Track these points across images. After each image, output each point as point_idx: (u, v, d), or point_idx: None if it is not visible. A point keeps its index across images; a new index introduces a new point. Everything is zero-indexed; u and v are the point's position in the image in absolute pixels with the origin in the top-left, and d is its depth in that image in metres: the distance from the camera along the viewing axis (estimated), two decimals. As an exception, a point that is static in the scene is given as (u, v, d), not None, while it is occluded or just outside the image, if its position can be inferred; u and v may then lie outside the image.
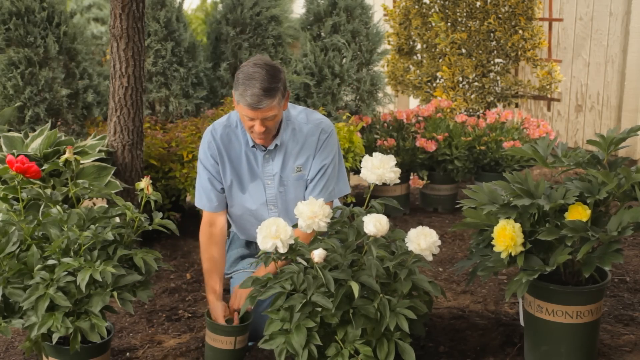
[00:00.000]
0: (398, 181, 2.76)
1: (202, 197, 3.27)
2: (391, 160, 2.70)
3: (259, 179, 3.22)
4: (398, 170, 2.71)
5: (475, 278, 2.90)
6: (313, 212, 2.58)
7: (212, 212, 3.27)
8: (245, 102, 2.90)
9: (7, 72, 5.29)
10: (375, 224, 2.50)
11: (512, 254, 2.65)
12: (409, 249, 2.52)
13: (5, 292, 2.57)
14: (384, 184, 2.73)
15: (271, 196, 3.23)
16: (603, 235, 2.57)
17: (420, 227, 2.55)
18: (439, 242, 2.54)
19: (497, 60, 6.55)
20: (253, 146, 3.17)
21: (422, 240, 2.50)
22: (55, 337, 2.56)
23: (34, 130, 5.03)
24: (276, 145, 3.16)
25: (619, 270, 4.01)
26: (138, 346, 3.29)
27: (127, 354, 3.21)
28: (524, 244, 2.65)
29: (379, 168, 2.67)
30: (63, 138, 4.10)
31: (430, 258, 2.55)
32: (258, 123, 2.96)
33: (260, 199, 3.24)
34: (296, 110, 3.26)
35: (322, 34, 6.20)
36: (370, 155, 2.75)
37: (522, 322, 3.14)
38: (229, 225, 3.51)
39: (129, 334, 3.43)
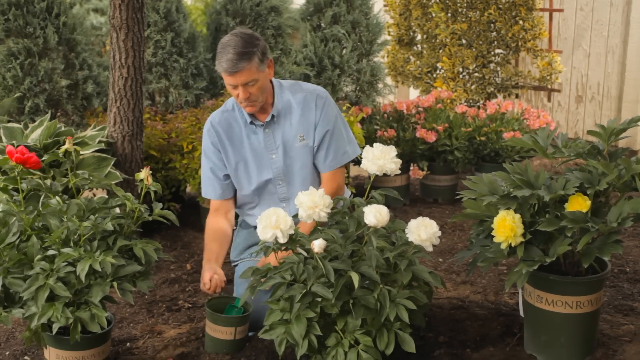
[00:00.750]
0: (398, 172, 2.76)
1: (208, 187, 3.32)
2: (392, 151, 2.69)
3: (263, 155, 3.25)
4: (399, 161, 2.71)
5: (475, 268, 2.90)
6: (314, 202, 2.58)
7: (218, 201, 3.29)
8: (222, 69, 2.97)
9: (6, 62, 5.29)
10: (375, 214, 2.50)
11: (512, 245, 2.65)
12: (409, 239, 2.52)
13: (6, 282, 2.57)
14: (385, 175, 2.73)
15: (277, 170, 3.26)
16: (603, 226, 2.57)
17: (420, 218, 2.54)
18: (439, 233, 2.54)
19: (497, 50, 6.53)
20: (251, 122, 3.20)
21: (422, 231, 2.50)
22: (55, 327, 2.56)
23: (34, 121, 5.03)
24: (273, 116, 3.20)
25: (618, 260, 4.02)
26: (138, 336, 3.29)
27: (128, 344, 3.21)
28: (523, 235, 2.65)
29: (380, 159, 2.67)
30: (63, 129, 4.10)
31: (430, 249, 2.55)
32: (241, 90, 3.02)
33: (268, 175, 3.27)
34: (288, 82, 3.32)
35: (322, 25, 6.19)
36: (371, 145, 2.74)
37: (521, 313, 3.14)
38: (237, 216, 3.53)
39: (129, 324, 3.44)
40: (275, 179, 3.27)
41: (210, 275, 3.08)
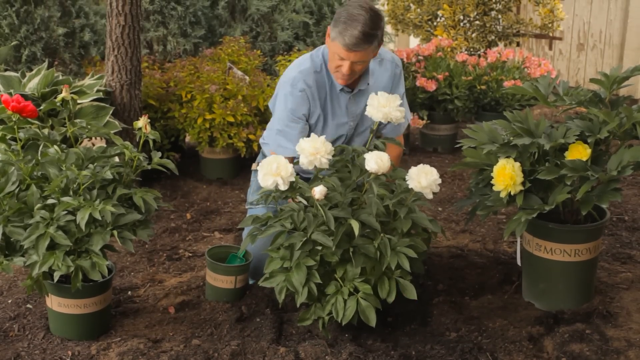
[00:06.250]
0: (403, 120, 2.75)
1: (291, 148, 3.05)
2: (397, 99, 2.68)
3: (342, 119, 3.16)
4: (403, 109, 2.70)
5: (474, 217, 2.91)
6: (315, 149, 2.57)
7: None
8: (342, 42, 2.83)
9: (2, 10, 5.21)
10: (376, 160, 2.49)
11: (512, 193, 2.65)
12: (410, 186, 2.52)
13: (6, 230, 2.57)
14: (388, 123, 2.71)
15: (349, 134, 3.21)
16: (603, 174, 2.57)
17: (421, 165, 2.53)
18: (439, 180, 2.53)
19: (498, -2, 6.46)
20: (341, 89, 3.09)
21: (422, 178, 2.49)
22: (56, 276, 2.57)
23: (31, 70, 4.99)
24: (366, 86, 3.10)
25: (617, 209, 4.03)
26: (139, 285, 3.31)
27: (129, 292, 3.23)
28: (523, 183, 2.65)
29: (386, 106, 2.65)
30: (60, 77, 4.06)
31: (430, 196, 2.54)
32: (347, 65, 2.90)
33: (340, 138, 3.20)
34: None
35: (322, -28, 6.10)
36: (371, 94, 2.72)
37: (519, 262, 3.15)
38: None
39: (130, 273, 3.46)
40: (343, 141, 3.22)
41: None
